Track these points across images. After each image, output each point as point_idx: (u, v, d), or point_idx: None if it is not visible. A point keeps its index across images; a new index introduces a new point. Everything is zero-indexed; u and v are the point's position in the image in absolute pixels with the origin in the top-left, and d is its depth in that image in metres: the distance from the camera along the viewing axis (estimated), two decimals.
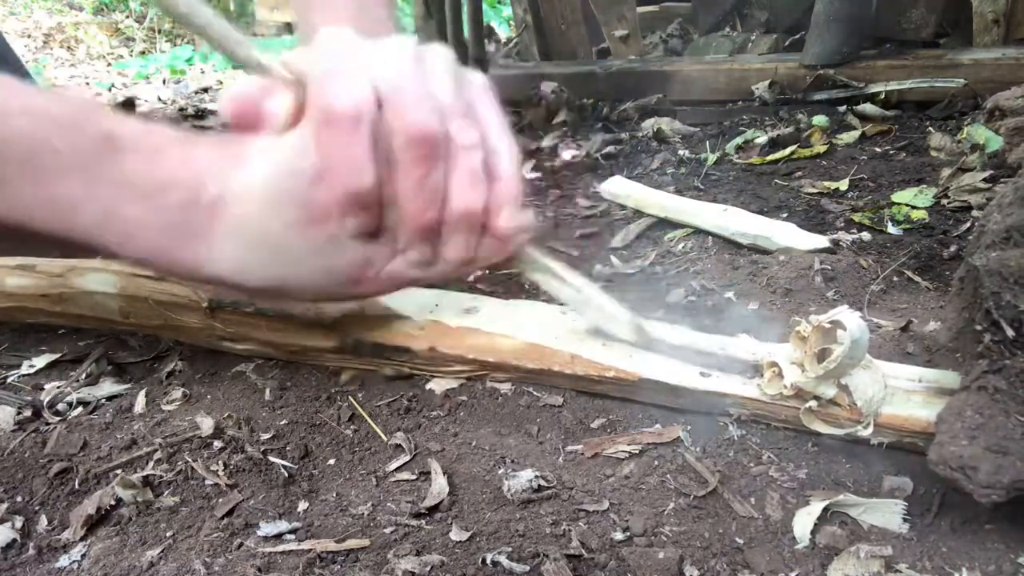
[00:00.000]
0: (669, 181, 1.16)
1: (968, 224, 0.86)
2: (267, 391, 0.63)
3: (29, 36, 4.69)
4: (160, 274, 0.45)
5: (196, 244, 0.41)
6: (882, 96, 1.42)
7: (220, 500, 0.50)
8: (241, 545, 0.46)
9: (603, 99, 1.72)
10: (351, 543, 0.45)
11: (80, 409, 0.63)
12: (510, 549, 0.43)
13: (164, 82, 3.33)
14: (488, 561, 0.42)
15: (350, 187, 0.39)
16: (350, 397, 0.61)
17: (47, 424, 0.61)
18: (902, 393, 0.48)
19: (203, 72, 3.64)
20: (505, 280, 0.82)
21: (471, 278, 0.83)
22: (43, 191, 0.39)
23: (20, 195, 0.40)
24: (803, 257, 0.77)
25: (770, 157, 1.23)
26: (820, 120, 1.36)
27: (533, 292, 0.78)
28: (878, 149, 1.22)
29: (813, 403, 0.49)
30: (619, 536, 0.44)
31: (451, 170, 0.41)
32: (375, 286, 0.45)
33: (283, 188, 0.40)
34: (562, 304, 0.54)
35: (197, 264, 0.42)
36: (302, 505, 0.50)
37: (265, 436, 0.56)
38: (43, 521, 0.50)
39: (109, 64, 4.29)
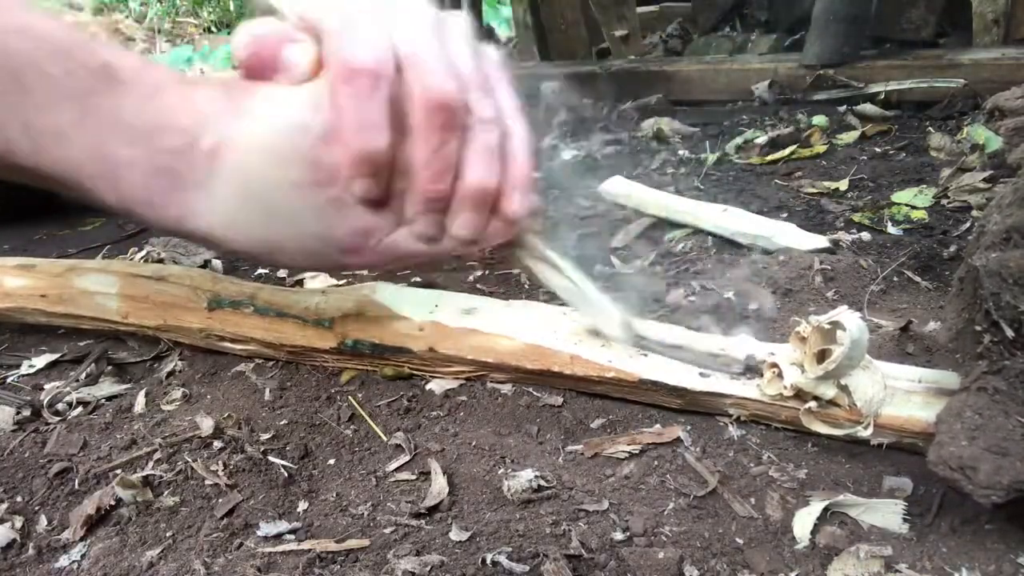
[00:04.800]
0: (669, 181, 1.16)
1: (968, 224, 0.86)
2: (267, 391, 0.63)
3: None
4: (143, 223, 0.43)
5: (187, 194, 0.39)
6: (882, 96, 1.42)
7: (220, 500, 0.50)
8: (241, 545, 0.46)
9: (603, 99, 1.72)
10: (351, 543, 0.45)
11: (80, 409, 0.63)
12: (510, 549, 0.43)
13: None
14: (488, 561, 0.42)
15: (362, 148, 0.37)
16: (350, 397, 0.61)
17: (47, 424, 0.61)
18: (902, 394, 0.48)
19: (203, 72, 3.64)
20: (505, 280, 0.82)
21: (470, 278, 0.83)
22: (29, 118, 0.37)
23: (4, 120, 0.37)
24: (803, 257, 0.77)
25: (770, 157, 1.23)
26: (820, 120, 1.36)
27: (533, 292, 0.78)
28: (878, 149, 1.22)
29: (813, 404, 0.49)
30: (619, 536, 0.44)
31: (466, 143, 0.39)
32: (372, 258, 0.43)
33: (290, 143, 0.38)
34: (555, 294, 0.53)
35: (185, 215, 0.39)
36: (302, 505, 0.50)
37: (265, 436, 0.56)
38: (43, 521, 0.50)
39: None
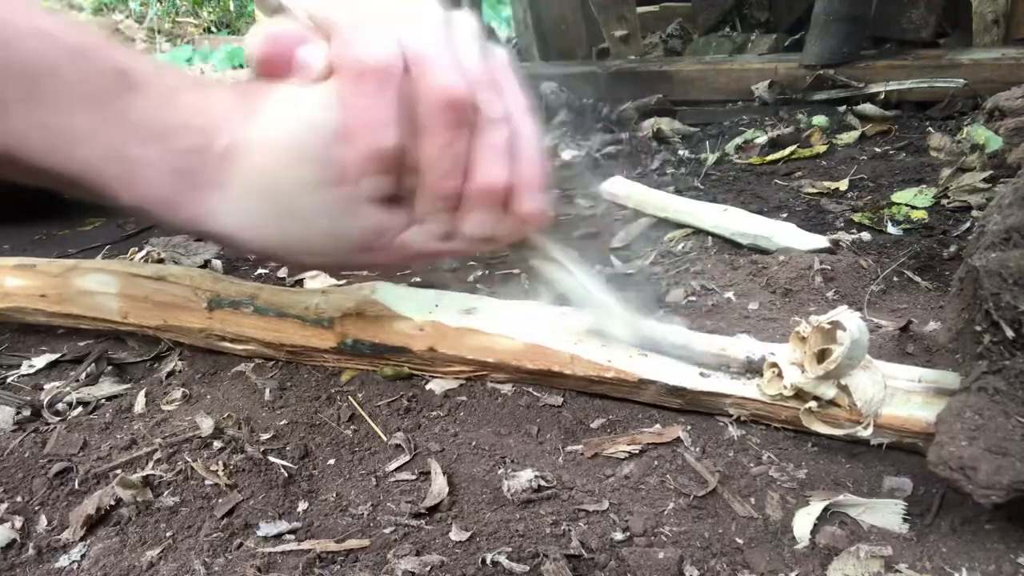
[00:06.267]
0: (669, 181, 1.16)
1: (968, 224, 0.86)
2: (267, 391, 0.63)
3: None
4: (158, 222, 0.43)
5: (202, 194, 0.39)
6: (882, 96, 1.43)
7: (220, 500, 0.50)
8: (241, 545, 0.46)
9: (603, 99, 1.72)
10: (351, 543, 0.45)
11: (80, 409, 0.63)
12: (510, 549, 0.43)
13: None
14: (488, 561, 0.42)
15: (373, 146, 0.38)
16: (350, 397, 0.61)
17: (47, 424, 0.61)
18: (902, 394, 0.48)
19: (203, 72, 3.64)
20: (505, 280, 0.82)
21: (470, 278, 0.83)
22: (45, 120, 0.37)
23: (20, 121, 0.37)
24: (803, 257, 0.77)
25: (770, 157, 1.23)
26: (820, 120, 1.36)
27: (533, 293, 0.78)
28: (878, 149, 1.22)
29: (813, 404, 0.49)
30: (619, 536, 0.44)
31: (476, 141, 0.40)
32: (385, 256, 0.43)
33: (303, 142, 0.38)
34: (560, 294, 0.53)
35: (200, 216, 0.40)
36: (302, 505, 0.50)
37: (265, 436, 0.56)
38: (43, 521, 0.50)
39: None
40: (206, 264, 0.92)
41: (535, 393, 0.59)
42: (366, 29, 0.37)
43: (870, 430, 0.47)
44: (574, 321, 0.59)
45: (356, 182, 0.39)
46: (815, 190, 1.04)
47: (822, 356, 0.48)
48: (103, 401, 0.64)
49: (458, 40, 0.39)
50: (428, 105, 0.38)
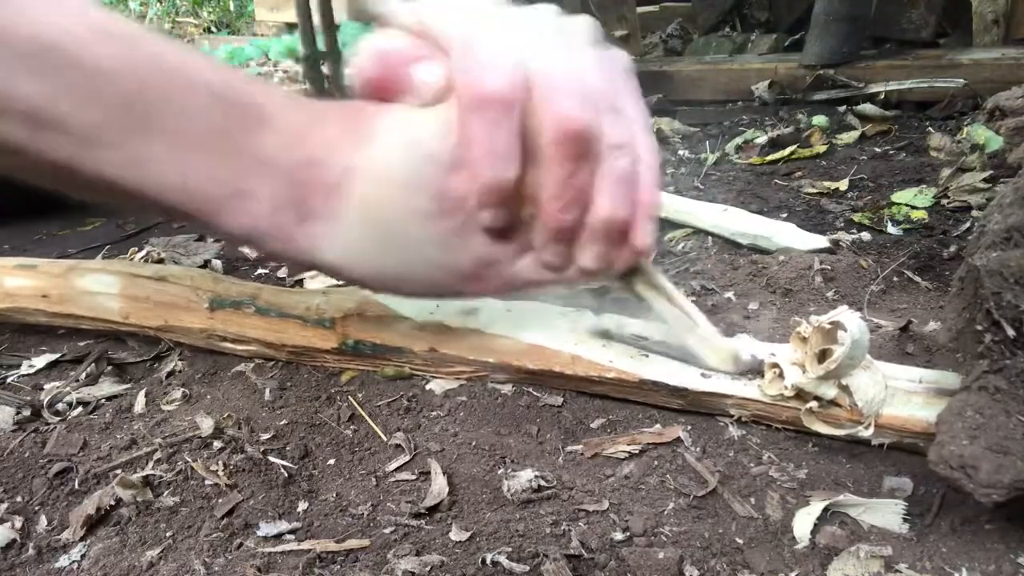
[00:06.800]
0: (669, 181, 1.16)
1: (968, 224, 0.86)
2: (267, 391, 0.63)
3: None
4: (262, 254, 0.41)
5: (309, 225, 0.38)
6: (882, 96, 1.43)
7: (220, 500, 0.50)
8: (241, 545, 0.46)
9: None
10: (351, 543, 0.45)
11: (80, 409, 0.63)
12: (510, 549, 0.43)
13: None
14: (488, 561, 0.42)
15: (491, 179, 0.35)
16: (350, 397, 0.61)
17: (47, 424, 0.61)
18: (902, 394, 0.48)
19: None
20: None
21: None
22: (161, 152, 0.35)
23: (133, 153, 0.35)
24: (803, 257, 0.77)
25: (770, 157, 1.23)
26: (820, 120, 1.36)
27: (533, 293, 0.78)
28: (878, 149, 1.22)
29: (814, 404, 0.49)
30: (619, 536, 0.44)
31: (599, 170, 0.36)
32: (494, 285, 0.41)
33: (415, 172, 0.36)
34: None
35: (310, 248, 0.38)
36: (302, 505, 0.49)
37: (265, 436, 0.56)
38: (43, 521, 0.50)
39: None
40: (206, 264, 0.92)
41: (535, 393, 0.59)
42: (484, 48, 0.34)
43: (871, 430, 0.47)
44: (575, 321, 0.59)
45: (470, 214, 0.37)
46: (815, 190, 1.04)
47: (823, 356, 0.48)
48: (103, 401, 0.64)
49: (579, 54, 0.36)
50: (551, 136, 0.35)
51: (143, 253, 0.95)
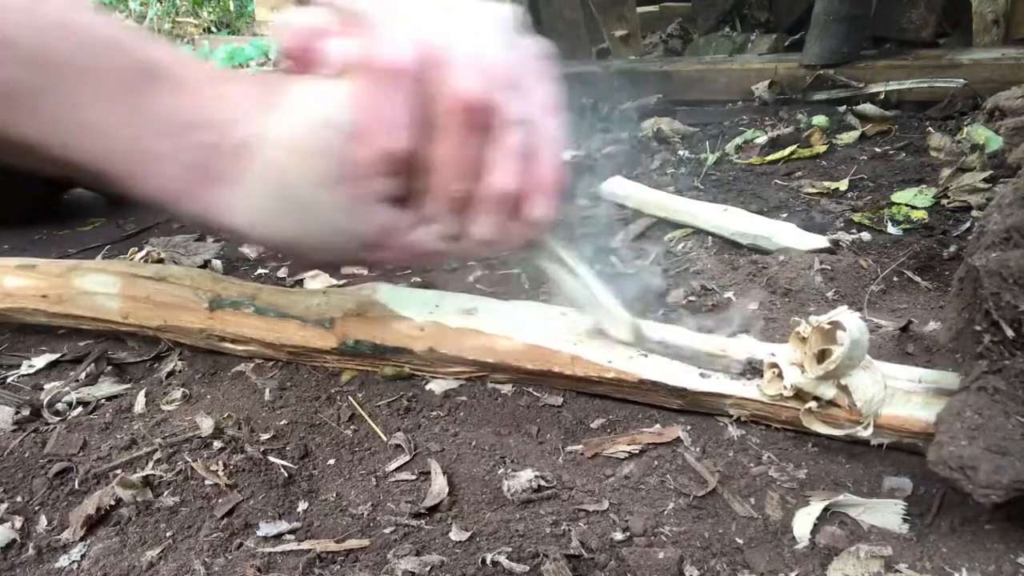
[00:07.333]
0: (669, 181, 1.16)
1: (968, 224, 0.86)
2: (267, 391, 0.63)
3: None
4: (172, 215, 0.43)
5: (215, 188, 0.39)
6: (882, 96, 1.43)
7: (220, 500, 0.50)
8: (241, 545, 0.46)
9: (603, 99, 1.72)
10: (351, 543, 0.45)
11: (80, 409, 0.63)
12: (510, 549, 0.43)
13: None
14: (488, 561, 0.42)
15: (385, 147, 0.37)
16: (350, 397, 0.61)
17: (47, 424, 0.61)
18: (902, 394, 0.48)
19: None
20: (505, 280, 0.82)
21: (470, 278, 0.83)
22: (65, 112, 0.37)
23: (43, 112, 0.37)
24: (803, 257, 0.77)
25: (770, 157, 1.23)
26: (820, 120, 1.36)
27: (533, 293, 0.78)
28: (878, 149, 1.22)
29: (813, 404, 0.49)
30: (619, 536, 0.44)
31: (492, 144, 0.39)
32: (393, 253, 0.43)
33: (317, 139, 0.38)
34: (562, 295, 0.53)
35: (212, 209, 0.40)
36: (302, 505, 0.50)
37: (265, 436, 0.56)
38: (43, 521, 0.50)
39: None
40: (206, 264, 0.92)
41: (535, 393, 0.59)
42: (388, 25, 0.37)
43: (870, 430, 0.47)
44: (574, 321, 0.59)
45: (367, 181, 0.39)
46: (815, 190, 1.04)
47: (822, 356, 0.48)
48: (103, 401, 0.64)
49: (485, 35, 0.38)
50: (444, 107, 0.37)
51: (143, 253, 0.95)
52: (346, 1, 0.38)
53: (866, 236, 0.85)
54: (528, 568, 0.42)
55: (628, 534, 0.44)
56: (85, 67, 0.37)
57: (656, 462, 0.51)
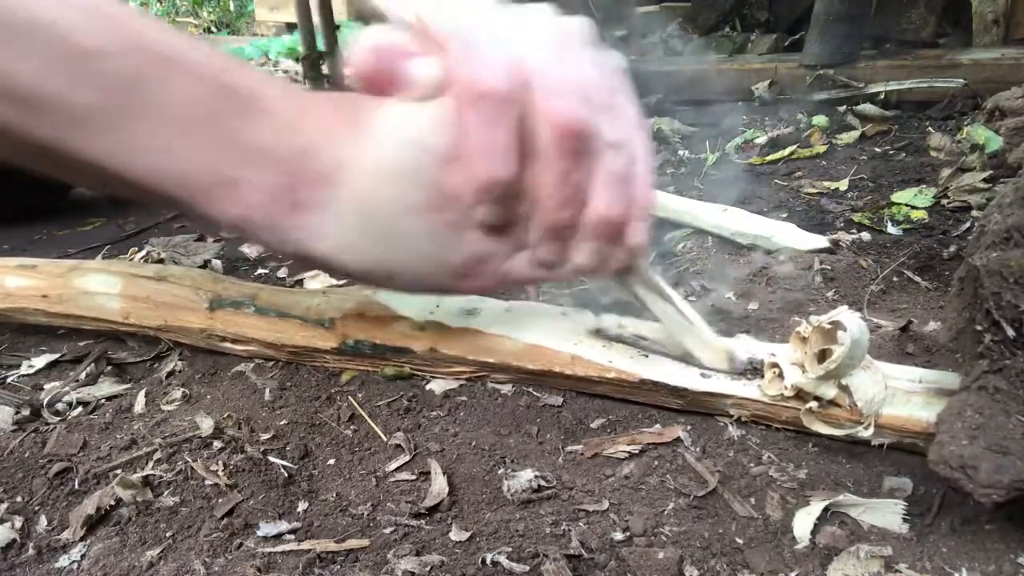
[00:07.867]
0: (669, 181, 1.16)
1: (968, 224, 0.86)
2: (267, 391, 0.63)
3: None
4: (252, 243, 0.41)
5: (301, 215, 0.37)
6: (882, 96, 1.43)
7: (220, 500, 0.50)
8: (241, 545, 0.46)
9: None
10: (351, 543, 0.45)
11: (80, 409, 0.63)
12: (510, 549, 0.43)
13: None
14: (488, 561, 0.42)
15: (489, 176, 0.35)
16: (350, 397, 0.61)
17: (47, 424, 0.61)
18: (902, 394, 0.48)
19: None
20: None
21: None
22: (152, 137, 0.35)
23: (118, 135, 0.34)
24: (803, 257, 0.77)
25: (770, 157, 1.23)
26: (820, 120, 1.36)
27: (533, 293, 0.78)
28: (878, 149, 1.22)
29: (814, 404, 0.49)
30: (619, 536, 0.44)
31: (594, 169, 0.37)
32: (487, 281, 0.41)
33: (410, 166, 0.36)
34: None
35: (297, 237, 0.38)
36: (302, 505, 0.49)
37: (265, 436, 0.56)
38: (43, 521, 0.50)
39: None
40: (206, 264, 0.92)
41: (535, 393, 0.59)
42: (482, 45, 0.34)
43: (870, 430, 0.47)
44: (575, 322, 0.59)
45: (464, 209, 0.37)
46: (815, 190, 1.04)
47: (822, 356, 0.48)
48: (103, 401, 0.64)
49: (576, 54, 0.36)
50: (548, 133, 0.35)
51: (143, 253, 0.95)
52: (427, 17, 0.36)
53: (866, 236, 0.85)
54: (528, 568, 0.42)
55: (628, 534, 0.44)
56: (165, 89, 0.35)
57: (656, 462, 0.51)
